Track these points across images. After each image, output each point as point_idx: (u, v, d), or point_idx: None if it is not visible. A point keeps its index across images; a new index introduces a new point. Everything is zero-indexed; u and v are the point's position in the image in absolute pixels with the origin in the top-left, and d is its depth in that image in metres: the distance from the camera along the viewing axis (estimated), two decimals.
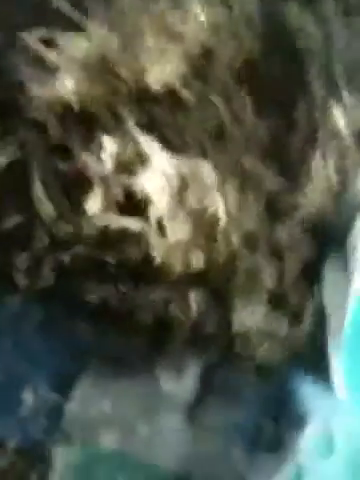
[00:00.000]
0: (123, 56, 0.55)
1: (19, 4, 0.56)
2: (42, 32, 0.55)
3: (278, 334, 0.55)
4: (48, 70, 0.55)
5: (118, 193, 0.55)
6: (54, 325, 0.57)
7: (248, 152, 0.57)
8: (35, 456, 0.56)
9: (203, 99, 0.57)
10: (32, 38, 0.55)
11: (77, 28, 0.55)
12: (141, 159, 0.55)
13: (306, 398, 0.54)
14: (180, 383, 0.56)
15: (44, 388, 0.56)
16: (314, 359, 0.56)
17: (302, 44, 0.58)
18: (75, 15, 0.55)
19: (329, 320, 0.55)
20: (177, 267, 0.54)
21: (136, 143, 0.55)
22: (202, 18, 0.54)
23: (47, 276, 0.57)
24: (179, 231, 0.54)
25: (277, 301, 0.56)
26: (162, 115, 0.57)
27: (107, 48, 0.55)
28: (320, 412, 0.54)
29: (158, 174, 0.54)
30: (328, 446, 0.53)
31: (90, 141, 0.55)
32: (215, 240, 0.55)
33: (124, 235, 0.55)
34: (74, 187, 0.56)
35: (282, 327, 0.55)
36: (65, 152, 0.56)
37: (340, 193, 0.57)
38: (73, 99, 0.54)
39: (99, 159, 0.55)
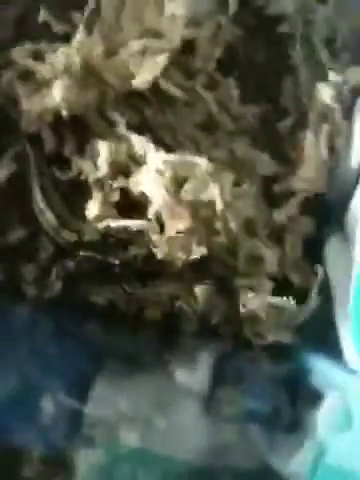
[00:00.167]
0: (108, 62, 0.56)
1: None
2: (28, 46, 0.57)
3: (286, 315, 0.56)
4: (37, 83, 0.57)
5: (116, 195, 0.56)
6: (65, 331, 0.57)
7: (239, 140, 0.58)
8: (59, 463, 0.56)
9: (190, 93, 0.58)
10: (19, 53, 0.56)
11: (62, 39, 0.57)
12: (136, 160, 0.56)
13: (320, 374, 0.55)
14: (194, 375, 0.55)
15: (62, 394, 0.56)
16: (324, 333, 0.56)
17: (283, 28, 0.59)
18: (59, 26, 0.57)
19: (334, 293, 0.55)
20: (180, 259, 0.55)
21: (129, 144, 0.56)
22: (180, 11, 0.55)
23: (55, 284, 0.58)
24: (178, 225, 0.55)
25: (281, 283, 0.57)
26: (152, 115, 0.58)
27: (92, 55, 0.56)
28: (335, 386, 0.54)
29: (153, 173, 0.55)
30: (347, 419, 0.53)
31: (85, 147, 0.57)
32: (214, 229, 0.55)
33: (125, 235, 0.56)
34: (73, 194, 0.58)
35: (289, 308, 0.56)
36: (61, 161, 0.58)
37: (333, 169, 0.57)
38: (63, 107, 0.55)
39: (95, 164, 0.56)
